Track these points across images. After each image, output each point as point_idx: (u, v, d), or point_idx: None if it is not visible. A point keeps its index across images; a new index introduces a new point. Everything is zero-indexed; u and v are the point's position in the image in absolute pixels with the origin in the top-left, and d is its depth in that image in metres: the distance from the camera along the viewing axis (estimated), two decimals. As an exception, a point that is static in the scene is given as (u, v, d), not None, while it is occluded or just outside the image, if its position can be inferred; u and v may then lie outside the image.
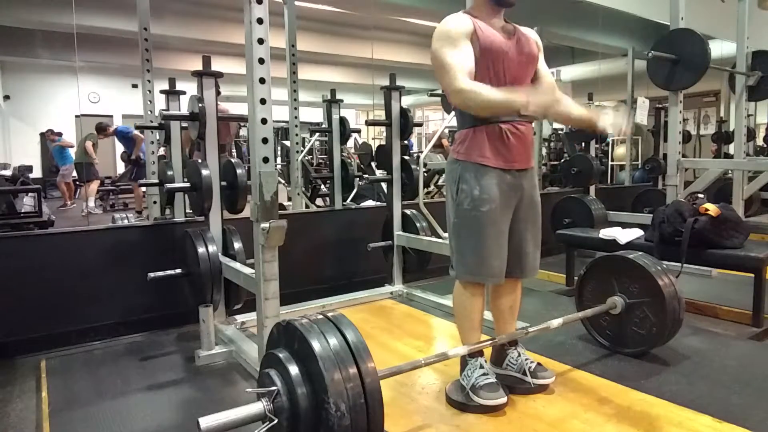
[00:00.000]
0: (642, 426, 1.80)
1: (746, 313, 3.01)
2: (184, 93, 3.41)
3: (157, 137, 3.72)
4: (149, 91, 3.48)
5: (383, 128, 3.88)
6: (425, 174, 5.79)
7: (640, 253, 2.41)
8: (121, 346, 2.85)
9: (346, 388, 1.32)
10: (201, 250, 2.60)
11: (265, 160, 1.99)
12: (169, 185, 2.98)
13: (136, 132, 6.72)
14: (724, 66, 4.67)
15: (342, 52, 9.74)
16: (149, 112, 3.49)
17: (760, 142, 8.42)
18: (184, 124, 3.26)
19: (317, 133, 5.59)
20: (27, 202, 5.58)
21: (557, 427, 1.82)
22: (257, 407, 1.38)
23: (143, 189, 5.21)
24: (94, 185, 7.33)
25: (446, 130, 6.85)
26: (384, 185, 3.95)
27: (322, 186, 5.18)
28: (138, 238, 3.12)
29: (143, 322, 3.01)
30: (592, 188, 4.77)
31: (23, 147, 9.83)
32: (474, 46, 1.84)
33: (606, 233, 3.51)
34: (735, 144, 4.80)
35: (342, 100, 4.24)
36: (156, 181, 3.43)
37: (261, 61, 1.96)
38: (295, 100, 4.44)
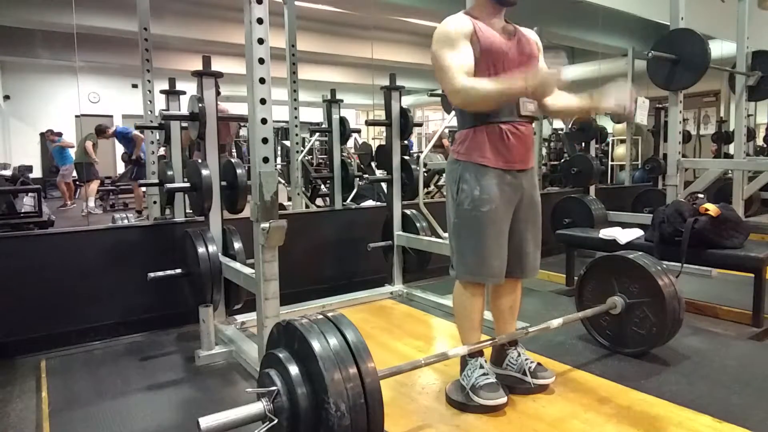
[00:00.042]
0: (642, 426, 1.80)
1: (746, 313, 3.01)
2: (184, 93, 3.41)
3: (157, 137, 3.72)
4: (149, 91, 3.48)
5: (383, 128, 3.89)
6: (425, 174, 5.79)
7: (640, 253, 2.41)
8: (121, 346, 2.85)
9: (346, 388, 1.32)
10: (201, 250, 2.60)
11: (265, 160, 1.99)
12: (169, 185, 2.98)
13: (136, 132, 6.73)
14: (724, 66, 4.66)
15: (342, 52, 9.74)
16: (149, 112, 3.49)
17: (760, 142, 8.42)
18: (184, 124, 3.26)
19: (317, 133, 5.59)
20: (27, 202, 5.59)
21: (557, 427, 1.82)
22: (257, 407, 1.38)
23: (143, 189, 5.22)
24: (94, 185, 7.33)
25: (446, 130, 6.85)
26: (384, 185, 3.95)
27: (322, 186, 5.18)
28: (138, 238, 3.12)
29: (143, 322, 3.01)
30: (592, 188, 4.77)
31: (23, 147, 9.84)
32: (474, 47, 1.84)
33: (606, 233, 3.51)
34: (735, 144, 4.80)
35: (342, 100, 4.24)
36: (156, 181, 3.43)
37: (261, 61, 1.96)
38: (295, 100, 4.44)
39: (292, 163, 4.72)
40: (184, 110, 2.85)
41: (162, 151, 4.14)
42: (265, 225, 1.97)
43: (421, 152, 7.55)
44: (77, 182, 7.87)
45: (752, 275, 2.93)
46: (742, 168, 4.32)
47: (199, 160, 2.72)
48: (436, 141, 7.43)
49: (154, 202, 3.67)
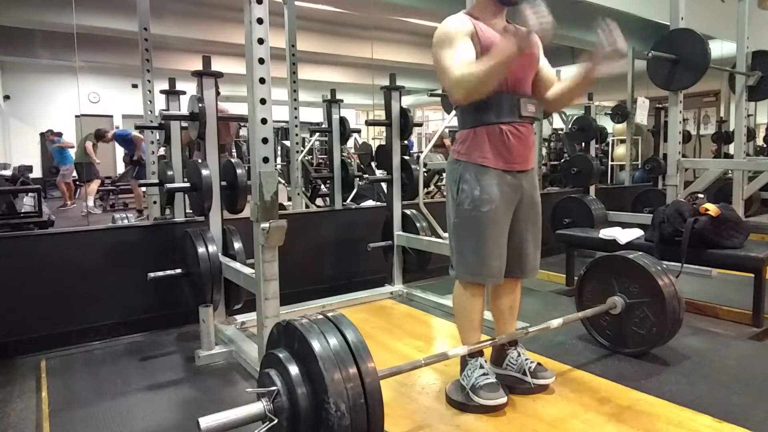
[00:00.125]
0: (642, 426, 1.80)
1: (746, 313, 3.01)
2: (184, 93, 3.41)
3: (157, 137, 3.72)
4: (149, 91, 3.48)
5: (383, 128, 3.88)
6: (425, 174, 5.79)
7: (640, 253, 2.41)
8: (121, 346, 2.85)
9: (346, 388, 1.32)
10: (201, 250, 2.60)
11: (265, 160, 1.99)
12: (169, 185, 2.98)
13: (135, 133, 6.74)
14: (724, 66, 4.67)
15: (342, 52, 9.75)
16: (149, 112, 3.49)
17: (760, 142, 8.42)
18: (184, 124, 3.26)
19: (317, 133, 5.59)
20: (27, 202, 5.59)
21: (557, 427, 1.82)
22: (257, 407, 1.38)
23: (143, 189, 5.22)
24: (94, 185, 7.34)
25: (446, 130, 6.85)
26: (384, 185, 3.94)
27: (322, 186, 5.18)
28: (138, 238, 3.12)
29: (143, 322, 3.01)
30: (592, 188, 4.77)
31: (23, 147, 9.85)
32: (475, 47, 1.83)
33: (606, 233, 3.51)
34: (735, 144, 4.81)
35: (342, 100, 4.24)
36: (156, 181, 3.43)
37: (261, 61, 1.95)
38: (295, 100, 4.44)
39: (292, 163, 4.72)
40: (184, 110, 2.85)
41: (162, 151, 4.14)
42: (265, 225, 1.97)
43: (421, 152, 7.56)
44: (77, 182, 7.87)
45: (752, 275, 2.93)
46: (742, 168, 4.32)
47: (199, 160, 2.72)
48: (437, 141, 7.43)
49: (154, 202, 3.67)
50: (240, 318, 2.93)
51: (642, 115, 5.42)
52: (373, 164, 6.45)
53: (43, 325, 2.79)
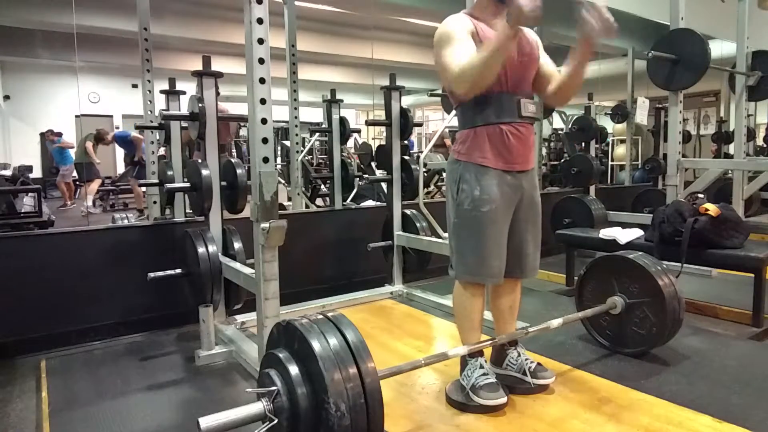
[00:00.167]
0: (642, 426, 1.80)
1: (746, 313, 3.01)
2: (184, 93, 3.41)
3: (157, 137, 3.72)
4: (149, 91, 3.48)
5: (383, 128, 3.89)
6: (425, 174, 5.79)
7: (640, 253, 2.41)
8: (121, 346, 2.85)
9: (346, 388, 1.32)
10: (201, 250, 2.60)
11: (265, 160, 1.99)
12: (169, 185, 2.98)
13: (135, 134, 6.74)
14: (724, 66, 4.67)
15: (342, 52, 9.74)
16: (149, 112, 3.49)
17: (760, 142, 8.42)
18: (184, 124, 3.26)
19: (317, 133, 5.59)
20: (27, 202, 5.59)
21: (557, 427, 1.82)
22: (257, 407, 1.38)
23: (143, 189, 5.22)
24: (95, 185, 7.34)
25: (447, 130, 6.85)
26: (384, 185, 3.95)
27: (322, 186, 5.18)
28: (138, 238, 3.12)
29: (143, 322, 3.01)
30: (592, 188, 4.77)
31: (23, 147, 9.85)
32: (475, 46, 1.83)
33: (606, 233, 3.51)
34: (735, 144, 4.80)
35: (342, 100, 4.24)
36: (156, 181, 3.43)
37: (261, 61, 1.96)
38: (295, 100, 4.44)
39: (292, 163, 4.72)
40: (184, 110, 2.85)
41: (162, 151, 4.14)
42: (265, 225, 1.97)
43: (421, 152, 7.55)
44: (77, 182, 7.87)
45: (752, 275, 2.93)
46: (742, 168, 4.32)
47: (199, 160, 2.72)
48: (438, 140, 7.43)
49: (154, 202, 3.67)
50: (240, 318, 2.93)
51: (642, 115, 5.41)
52: (373, 164, 6.45)
53: (43, 325, 2.79)
